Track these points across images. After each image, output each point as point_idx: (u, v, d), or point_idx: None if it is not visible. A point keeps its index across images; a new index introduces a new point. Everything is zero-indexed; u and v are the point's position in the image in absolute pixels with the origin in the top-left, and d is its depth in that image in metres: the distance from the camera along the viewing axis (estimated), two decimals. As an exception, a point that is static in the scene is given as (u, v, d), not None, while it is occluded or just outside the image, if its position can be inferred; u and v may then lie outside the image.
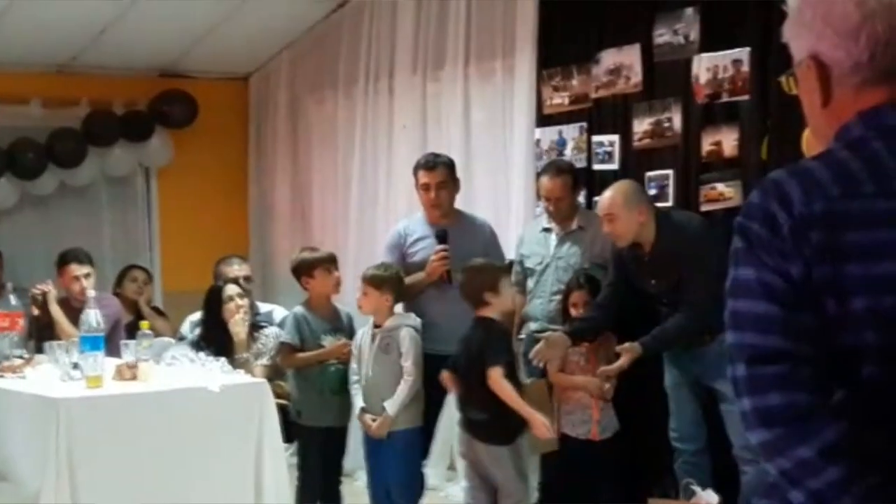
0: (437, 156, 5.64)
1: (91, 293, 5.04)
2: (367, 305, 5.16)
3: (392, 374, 5.09)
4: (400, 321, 5.16)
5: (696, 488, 4.66)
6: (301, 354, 5.29)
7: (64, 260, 6.24)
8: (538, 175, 5.66)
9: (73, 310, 5.89)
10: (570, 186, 5.45)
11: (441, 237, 5.33)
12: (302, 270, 5.39)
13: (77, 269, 6.16)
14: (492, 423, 4.73)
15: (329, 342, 5.28)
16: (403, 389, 5.07)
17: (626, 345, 4.90)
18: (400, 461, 5.11)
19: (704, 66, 5.25)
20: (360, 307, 5.21)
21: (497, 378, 4.69)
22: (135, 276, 6.97)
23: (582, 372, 5.17)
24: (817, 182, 1.50)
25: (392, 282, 5.15)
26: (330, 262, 5.40)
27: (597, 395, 5.06)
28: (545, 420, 4.70)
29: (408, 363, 5.07)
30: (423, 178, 5.45)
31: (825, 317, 1.47)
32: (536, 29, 6.10)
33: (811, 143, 1.69)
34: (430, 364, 5.29)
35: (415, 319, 5.21)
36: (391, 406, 5.04)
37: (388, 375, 5.09)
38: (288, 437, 5.51)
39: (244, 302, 5.67)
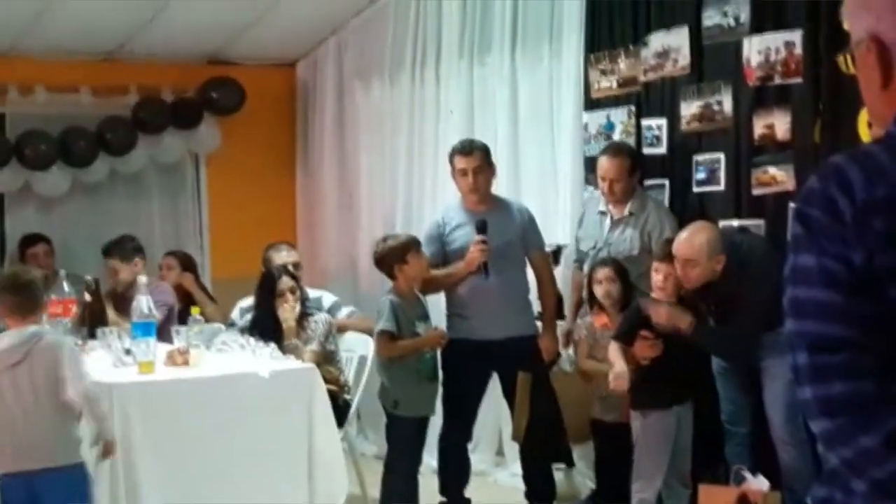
0: (472, 141, 5.67)
1: (143, 279, 5.09)
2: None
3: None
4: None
5: (747, 474, 4.63)
6: (402, 343, 5.21)
7: (107, 252, 6.24)
8: (598, 155, 5.63)
9: (123, 298, 5.94)
10: (627, 168, 5.43)
11: (481, 228, 5.32)
12: (395, 257, 5.27)
13: (119, 264, 6.16)
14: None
15: (423, 329, 5.27)
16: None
17: (681, 310, 4.85)
18: None
19: (755, 49, 5.19)
20: None
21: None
22: (160, 263, 6.93)
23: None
24: (879, 167, 1.48)
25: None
26: (418, 244, 5.34)
27: (626, 385, 5.02)
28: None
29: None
30: (460, 163, 5.45)
31: (887, 304, 1.44)
32: (583, 12, 6.06)
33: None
34: (471, 351, 5.31)
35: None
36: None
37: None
38: (337, 423, 5.54)
39: (297, 295, 5.67)
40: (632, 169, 5.45)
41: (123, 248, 6.30)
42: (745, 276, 4.76)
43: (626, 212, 5.45)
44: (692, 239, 4.84)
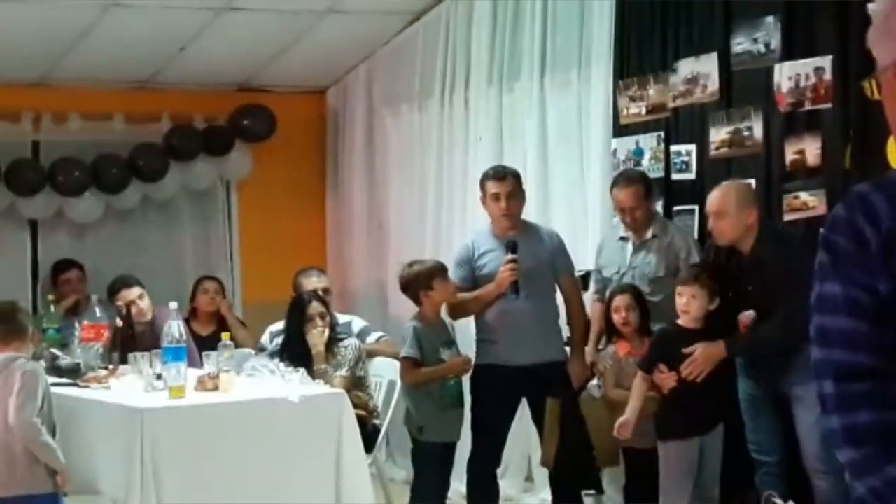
0: (504, 166, 5.69)
1: (173, 304, 5.12)
2: None
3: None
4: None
5: (778, 501, 4.60)
6: (425, 370, 5.22)
7: (114, 289, 6.25)
8: (611, 186, 5.63)
9: (136, 332, 5.98)
10: (642, 195, 5.42)
11: (511, 248, 5.32)
12: (420, 283, 5.29)
13: (129, 294, 6.15)
14: None
15: (447, 356, 5.27)
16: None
17: (708, 345, 4.84)
18: None
19: (786, 75, 5.19)
20: None
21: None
22: (206, 288, 7.05)
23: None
24: None
25: None
26: (444, 270, 5.36)
27: (628, 434, 5.04)
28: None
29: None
30: (493, 188, 5.46)
31: None
32: (612, 39, 6.07)
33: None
34: (501, 377, 5.30)
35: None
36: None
37: None
38: (366, 448, 5.55)
39: (326, 321, 5.70)
40: (647, 194, 5.45)
41: (134, 278, 6.31)
42: (781, 244, 4.80)
43: (648, 235, 5.44)
44: (722, 191, 4.94)
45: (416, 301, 5.31)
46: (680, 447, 4.88)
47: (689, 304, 4.89)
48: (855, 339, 1.46)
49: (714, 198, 4.96)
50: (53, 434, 4.37)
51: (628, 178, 5.53)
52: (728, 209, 4.86)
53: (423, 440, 5.26)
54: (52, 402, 4.43)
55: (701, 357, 4.84)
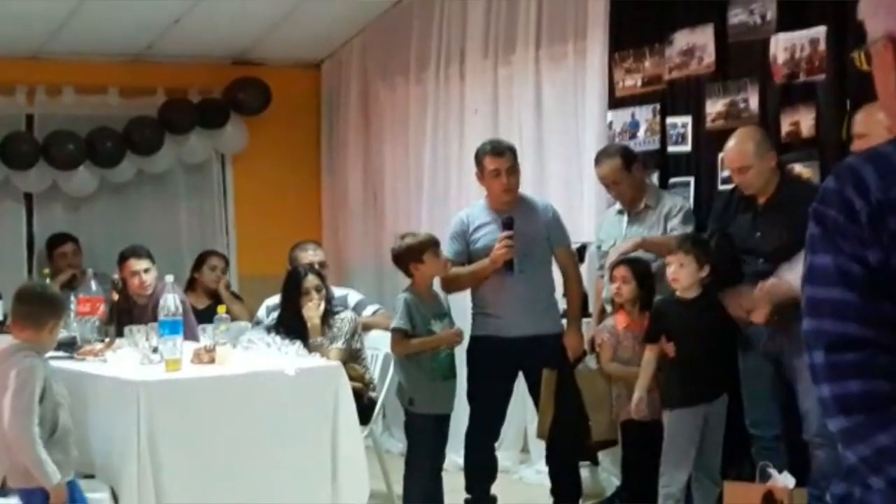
0: (501, 141, 5.65)
1: (169, 278, 5.12)
2: None
3: None
4: None
5: (773, 471, 4.63)
6: (415, 341, 5.22)
7: (123, 256, 6.26)
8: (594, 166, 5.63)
9: (136, 304, 5.98)
10: (620, 168, 5.42)
11: (507, 224, 5.32)
12: (411, 256, 5.27)
13: (136, 264, 6.16)
14: None
15: (439, 328, 5.28)
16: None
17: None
18: None
19: (782, 46, 5.18)
20: None
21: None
22: (213, 264, 7.08)
23: (635, 356, 5.19)
24: (894, 167, 1.48)
25: None
26: (436, 244, 5.35)
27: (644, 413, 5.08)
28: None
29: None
30: (493, 164, 5.42)
31: None
32: (608, 11, 6.05)
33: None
34: (497, 349, 5.33)
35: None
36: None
37: None
38: (363, 420, 5.57)
39: (322, 294, 5.71)
40: (627, 165, 5.44)
41: (146, 250, 6.32)
42: (808, 189, 4.75)
43: (641, 206, 5.46)
44: (740, 145, 4.89)
45: (408, 273, 5.32)
46: (684, 415, 4.90)
47: (677, 273, 4.91)
48: (846, 309, 1.47)
49: (733, 153, 4.90)
50: (55, 429, 4.16)
51: (606, 153, 5.55)
52: (750, 161, 4.83)
53: (414, 412, 5.28)
54: (56, 395, 4.19)
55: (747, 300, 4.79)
